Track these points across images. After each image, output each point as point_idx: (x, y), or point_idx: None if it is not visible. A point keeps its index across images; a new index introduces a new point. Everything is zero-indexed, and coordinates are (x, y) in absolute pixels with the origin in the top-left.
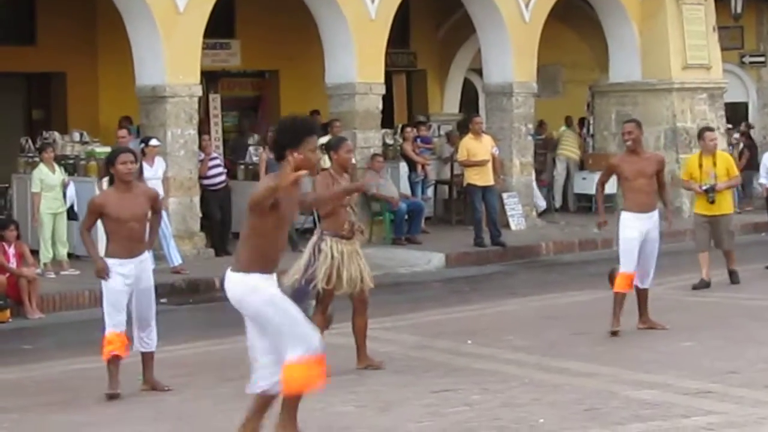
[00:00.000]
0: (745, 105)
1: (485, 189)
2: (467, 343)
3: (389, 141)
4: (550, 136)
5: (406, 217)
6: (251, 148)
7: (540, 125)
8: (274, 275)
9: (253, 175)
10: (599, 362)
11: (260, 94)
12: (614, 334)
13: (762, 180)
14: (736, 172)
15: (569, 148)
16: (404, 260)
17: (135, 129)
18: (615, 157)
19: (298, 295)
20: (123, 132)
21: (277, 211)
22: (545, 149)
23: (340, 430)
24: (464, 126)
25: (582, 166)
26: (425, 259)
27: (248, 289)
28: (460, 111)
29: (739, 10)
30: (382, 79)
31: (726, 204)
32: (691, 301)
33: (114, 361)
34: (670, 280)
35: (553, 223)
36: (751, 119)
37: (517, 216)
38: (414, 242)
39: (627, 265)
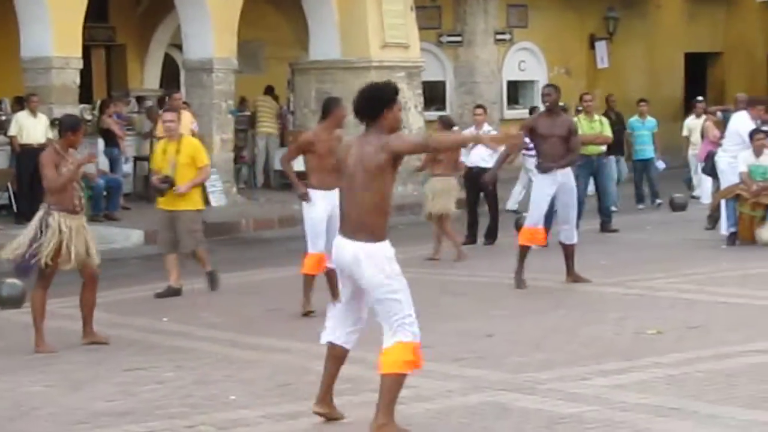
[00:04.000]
0: (443, 84)
1: None
2: (163, 321)
3: (87, 116)
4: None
5: (105, 193)
6: None
7: (241, 102)
8: None
9: None
10: (294, 338)
11: None
12: (308, 314)
13: (462, 158)
14: (204, 161)
15: (267, 124)
16: (102, 237)
17: None
18: (308, 133)
19: (22, 270)
20: None
21: (395, 169)
22: (246, 126)
23: (28, 410)
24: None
25: (282, 142)
26: (124, 235)
27: (386, 258)
28: (160, 86)
29: None
30: (79, 54)
31: (188, 198)
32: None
33: None
34: None
35: (253, 200)
36: (448, 98)
37: (217, 192)
38: (112, 219)
39: (317, 245)
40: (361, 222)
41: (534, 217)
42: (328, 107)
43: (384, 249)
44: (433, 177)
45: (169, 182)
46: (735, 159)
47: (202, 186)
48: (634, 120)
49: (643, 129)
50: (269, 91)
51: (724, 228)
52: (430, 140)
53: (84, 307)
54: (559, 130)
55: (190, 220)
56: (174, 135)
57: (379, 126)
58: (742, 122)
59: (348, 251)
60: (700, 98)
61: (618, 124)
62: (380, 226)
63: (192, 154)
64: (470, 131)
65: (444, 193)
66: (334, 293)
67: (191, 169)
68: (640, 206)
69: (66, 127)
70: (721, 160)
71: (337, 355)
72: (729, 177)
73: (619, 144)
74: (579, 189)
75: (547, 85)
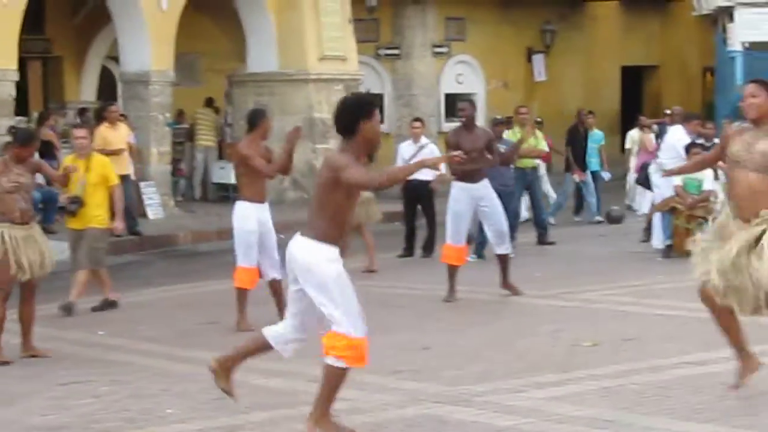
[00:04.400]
0: (381, 97)
1: (121, 178)
2: (99, 334)
3: None
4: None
5: (41, 205)
6: None
7: (179, 114)
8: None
9: None
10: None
11: None
12: (246, 330)
13: None
14: (115, 180)
15: (206, 137)
16: None
17: None
18: (246, 146)
19: None
20: None
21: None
22: (184, 138)
23: None
24: (100, 114)
25: (220, 155)
26: (59, 248)
27: (324, 258)
28: (97, 99)
29: (374, 3)
30: (15, 66)
31: (92, 216)
32: None
33: None
34: None
35: (190, 213)
36: (386, 111)
37: (154, 205)
38: (48, 231)
39: (249, 258)
40: (313, 224)
41: (454, 235)
42: (254, 119)
43: (326, 250)
44: None
45: (79, 202)
46: None
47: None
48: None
49: (590, 141)
50: (209, 103)
51: (656, 240)
52: (381, 178)
53: (23, 320)
54: (480, 143)
55: (94, 237)
56: (84, 152)
57: (357, 138)
58: (677, 136)
59: (295, 245)
60: (668, 111)
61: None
62: (329, 232)
63: (102, 172)
64: (407, 144)
65: (361, 204)
66: (280, 307)
67: (101, 189)
68: (577, 218)
69: (16, 139)
70: (656, 173)
71: (256, 340)
72: (663, 190)
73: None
74: (514, 201)
75: (463, 100)
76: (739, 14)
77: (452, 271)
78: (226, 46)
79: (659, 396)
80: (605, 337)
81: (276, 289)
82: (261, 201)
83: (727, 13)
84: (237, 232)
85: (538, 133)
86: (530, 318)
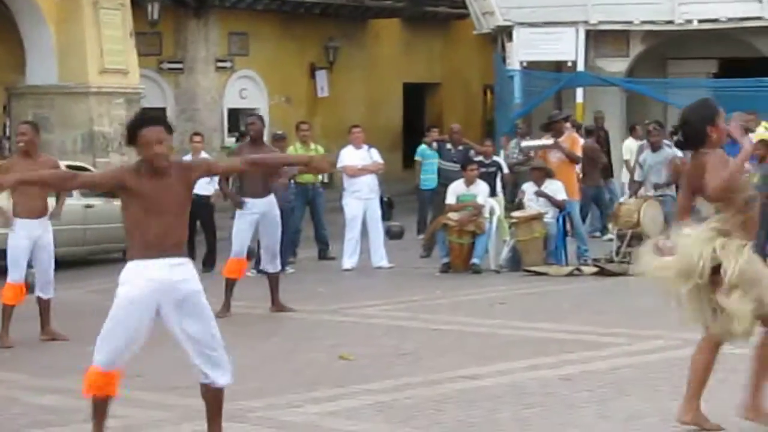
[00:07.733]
0: (164, 111)
1: None
2: None
3: None
4: None
5: None
6: None
7: None
8: None
9: None
10: (3, 369)
11: None
12: (7, 346)
13: None
14: None
15: None
16: None
17: None
18: (8, 160)
19: None
20: None
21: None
22: None
23: None
24: None
25: None
26: None
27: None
28: None
29: (156, 16)
30: None
31: None
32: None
33: None
34: (90, 283)
35: None
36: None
37: None
38: None
39: (16, 274)
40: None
41: (237, 249)
42: None
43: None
44: None
45: None
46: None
47: None
48: (423, 148)
49: (436, 158)
50: None
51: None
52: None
53: None
54: None
55: None
56: None
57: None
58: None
59: None
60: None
61: (606, 146)
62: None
63: None
64: (188, 158)
65: None
66: (43, 324)
67: None
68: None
69: None
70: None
71: None
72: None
73: (606, 167)
74: (295, 217)
75: (251, 115)
76: (518, 34)
77: (230, 284)
78: (4, 58)
79: (432, 410)
80: (381, 352)
81: (42, 306)
82: (35, 217)
83: (507, 32)
84: (8, 248)
85: (320, 148)
86: (309, 333)
